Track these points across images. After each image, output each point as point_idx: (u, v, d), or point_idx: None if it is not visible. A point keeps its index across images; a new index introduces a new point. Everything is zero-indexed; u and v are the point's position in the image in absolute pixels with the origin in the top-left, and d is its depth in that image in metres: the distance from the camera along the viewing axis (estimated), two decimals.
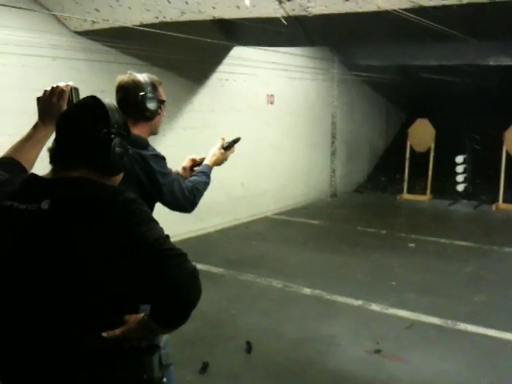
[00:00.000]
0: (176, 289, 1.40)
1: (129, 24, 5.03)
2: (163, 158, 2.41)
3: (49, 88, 1.86)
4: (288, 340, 4.13)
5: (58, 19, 5.39)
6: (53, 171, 1.54)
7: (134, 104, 2.37)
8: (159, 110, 2.46)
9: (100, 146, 1.50)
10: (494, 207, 9.06)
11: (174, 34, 5.42)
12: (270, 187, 8.63)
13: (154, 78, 2.48)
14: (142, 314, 1.48)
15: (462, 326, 4.39)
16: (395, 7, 4.04)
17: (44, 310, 1.44)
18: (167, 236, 1.46)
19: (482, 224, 8.26)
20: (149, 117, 2.42)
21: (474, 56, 8.39)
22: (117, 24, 5.10)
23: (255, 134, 8.12)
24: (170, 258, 1.40)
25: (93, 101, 1.56)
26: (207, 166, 2.68)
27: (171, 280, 1.39)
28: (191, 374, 3.62)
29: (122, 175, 1.63)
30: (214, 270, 5.80)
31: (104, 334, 1.44)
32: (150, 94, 2.39)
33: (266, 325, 4.42)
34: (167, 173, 2.41)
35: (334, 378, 3.60)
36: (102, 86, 5.12)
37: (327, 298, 4.99)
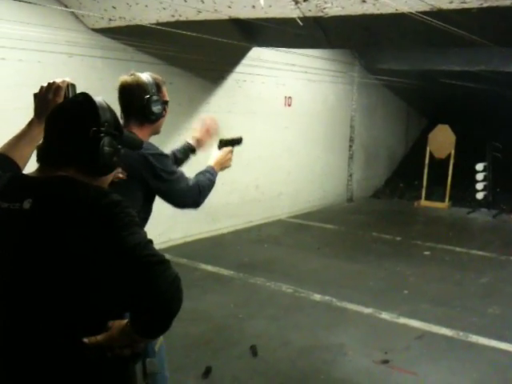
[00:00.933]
0: (154, 298, 1.33)
1: (145, 22, 5.01)
2: (166, 156, 2.37)
3: (45, 84, 1.81)
4: (294, 347, 4.06)
5: (76, 16, 5.39)
6: (39, 170, 1.50)
7: (139, 107, 2.32)
8: (164, 112, 2.42)
9: (88, 144, 1.45)
10: None
11: (192, 34, 5.38)
12: (285, 190, 8.56)
13: (158, 77, 2.42)
14: (126, 321, 1.42)
15: (474, 338, 4.27)
16: (413, 10, 3.94)
17: (23, 313, 1.40)
18: (150, 241, 1.40)
19: (500, 234, 8.07)
20: (154, 120, 2.38)
21: (497, 62, 8.23)
22: (133, 22, 5.08)
23: (272, 136, 8.07)
24: (149, 265, 1.34)
25: (83, 98, 1.51)
26: (210, 166, 2.63)
27: (150, 288, 1.32)
28: (194, 379, 3.56)
29: (112, 176, 1.58)
30: (224, 272, 5.75)
31: (85, 340, 1.38)
32: (155, 97, 2.34)
33: (273, 331, 4.34)
34: (171, 171, 2.37)
35: None
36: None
37: (337, 305, 4.90)
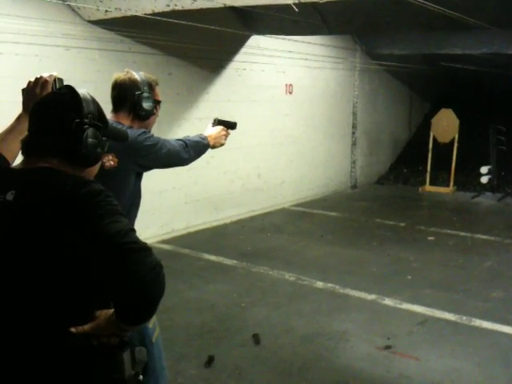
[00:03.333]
0: (135, 285, 1.33)
1: (141, 13, 4.99)
2: (144, 132, 2.40)
3: (33, 79, 1.82)
4: (296, 335, 4.06)
5: (72, 8, 5.36)
6: (23, 162, 1.51)
7: (130, 102, 2.40)
8: (154, 110, 2.47)
9: (72, 136, 1.45)
10: None
11: (189, 23, 5.36)
12: (288, 178, 8.54)
13: (151, 77, 2.50)
14: (112, 310, 1.43)
15: (478, 322, 4.26)
16: None
17: (10, 304, 1.41)
18: (131, 229, 1.39)
19: (504, 217, 8.04)
20: (144, 116, 2.43)
21: (499, 45, 8.15)
22: (129, 13, 5.05)
23: (273, 125, 8.04)
24: (130, 252, 1.33)
25: (67, 90, 1.52)
26: (203, 134, 2.70)
27: (130, 275, 1.32)
28: (196, 368, 3.58)
29: (97, 167, 1.58)
30: (227, 261, 5.75)
31: (72, 330, 1.40)
32: (146, 94, 2.42)
33: (275, 319, 4.35)
34: (153, 143, 2.39)
35: (341, 375, 3.52)
36: None
37: (340, 292, 4.90)
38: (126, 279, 1.32)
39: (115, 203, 1.42)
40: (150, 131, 2.48)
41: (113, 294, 1.39)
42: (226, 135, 2.77)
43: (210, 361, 3.64)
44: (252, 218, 7.68)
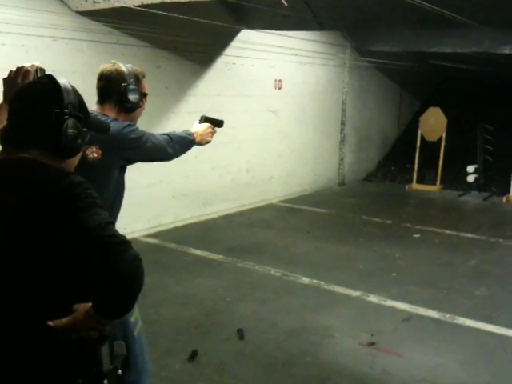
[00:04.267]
0: (114, 278, 1.32)
1: (130, 4, 4.94)
2: (129, 124, 2.38)
3: (14, 69, 1.79)
4: (282, 330, 4.06)
5: None
6: (2, 152, 1.48)
7: (116, 94, 2.37)
8: (140, 103, 2.45)
9: (51, 126, 1.43)
10: (504, 199, 8.88)
11: (179, 16, 5.32)
12: (277, 174, 8.53)
13: (138, 69, 2.47)
14: (91, 304, 1.41)
15: (461, 320, 4.28)
16: None
17: None
18: (110, 222, 1.38)
19: (490, 216, 8.09)
20: (130, 108, 2.40)
21: (489, 44, 8.17)
22: (118, 4, 5.01)
23: (262, 120, 8.02)
24: (109, 246, 1.32)
25: (47, 80, 1.49)
26: (189, 130, 2.68)
27: (109, 268, 1.31)
28: (180, 362, 3.57)
29: (77, 158, 1.56)
30: (213, 256, 5.73)
31: (50, 323, 1.38)
32: (132, 86, 2.39)
33: (261, 314, 4.35)
34: (138, 136, 2.37)
35: (325, 371, 3.52)
36: None
37: (325, 288, 4.91)
38: (106, 273, 1.31)
39: (95, 195, 1.40)
40: (135, 124, 2.45)
41: (92, 288, 1.37)
42: (213, 133, 2.76)
43: (193, 355, 3.63)
44: (240, 213, 7.67)
